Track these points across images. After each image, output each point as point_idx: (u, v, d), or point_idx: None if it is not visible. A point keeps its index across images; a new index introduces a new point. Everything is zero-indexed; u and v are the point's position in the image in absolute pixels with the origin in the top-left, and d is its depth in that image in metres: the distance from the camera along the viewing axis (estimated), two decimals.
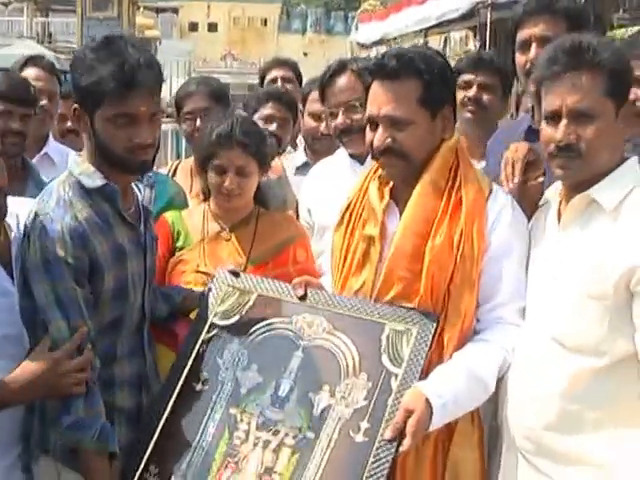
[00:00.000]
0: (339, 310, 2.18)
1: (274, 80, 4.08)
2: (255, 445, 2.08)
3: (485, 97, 3.22)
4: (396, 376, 2.03)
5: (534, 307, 2.09)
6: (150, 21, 30.16)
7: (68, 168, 2.16)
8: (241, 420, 2.12)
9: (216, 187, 2.60)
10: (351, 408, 2.04)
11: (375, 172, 2.28)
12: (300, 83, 4.08)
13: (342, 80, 2.86)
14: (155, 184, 2.69)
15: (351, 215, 2.29)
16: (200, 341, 2.24)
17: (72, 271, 2.03)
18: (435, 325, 2.06)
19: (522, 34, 2.56)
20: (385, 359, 2.07)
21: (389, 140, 2.12)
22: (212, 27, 46.81)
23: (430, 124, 2.14)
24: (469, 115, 3.20)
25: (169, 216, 2.68)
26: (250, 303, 2.28)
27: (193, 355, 2.23)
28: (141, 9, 27.71)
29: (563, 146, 1.94)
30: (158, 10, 38.15)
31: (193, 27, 46.26)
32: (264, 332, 2.23)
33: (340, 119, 2.86)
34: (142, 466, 2.09)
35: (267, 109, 3.52)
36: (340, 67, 2.89)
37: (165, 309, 2.39)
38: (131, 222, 2.18)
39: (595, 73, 1.93)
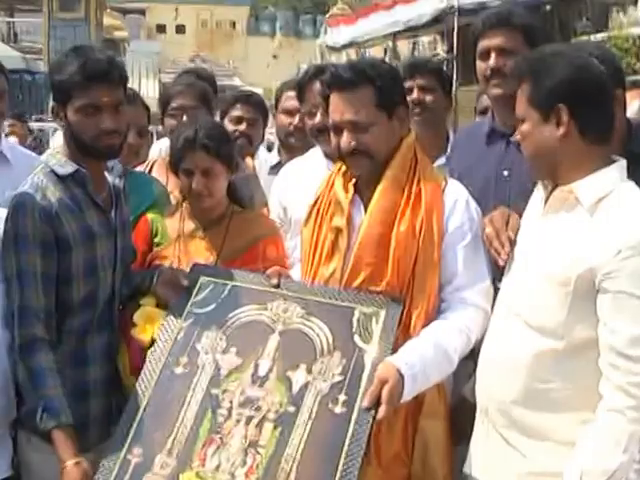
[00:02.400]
0: (311, 297, 2.32)
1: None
2: (238, 421, 2.16)
3: (427, 98, 3.38)
4: (368, 353, 2.19)
5: (507, 285, 2.23)
6: (118, 22, 29.88)
7: (43, 160, 2.43)
8: (223, 399, 2.20)
9: (186, 189, 2.75)
10: (328, 383, 2.16)
11: (339, 170, 2.48)
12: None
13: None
14: (137, 182, 2.95)
15: (319, 210, 2.48)
16: (178, 329, 2.35)
17: (37, 245, 2.26)
18: (401, 306, 2.25)
19: (482, 44, 2.75)
20: (357, 338, 2.22)
21: (354, 143, 2.33)
22: (180, 29, 46.52)
23: (388, 124, 2.36)
24: (417, 118, 3.33)
25: (150, 214, 2.86)
26: (225, 292, 2.39)
27: (172, 342, 2.32)
28: (108, 10, 27.47)
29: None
30: (125, 12, 37.86)
31: (161, 29, 45.99)
32: (241, 318, 2.33)
33: (318, 118, 3.03)
34: (125, 448, 2.16)
35: (236, 111, 3.70)
36: (319, 71, 3.03)
37: (127, 291, 2.57)
38: (102, 207, 2.41)
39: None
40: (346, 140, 2.33)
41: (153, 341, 2.39)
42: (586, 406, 2.02)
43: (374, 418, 2.07)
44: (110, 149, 2.37)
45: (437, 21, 13.01)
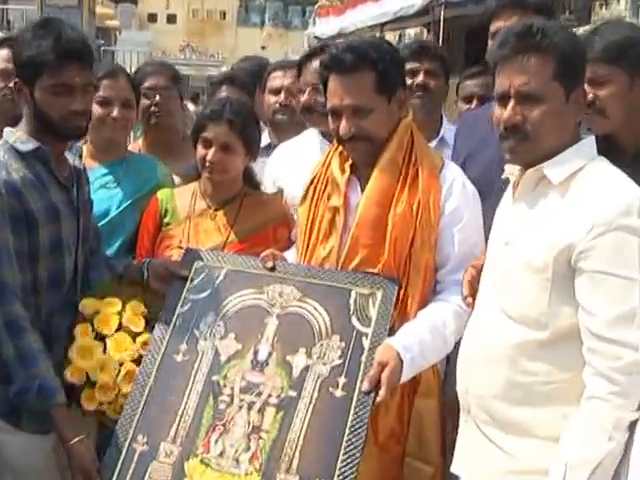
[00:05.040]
0: (307, 279, 2.31)
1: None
2: (240, 407, 2.15)
3: (432, 83, 3.38)
4: (366, 335, 2.18)
5: (486, 276, 2.14)
6: (110, 11, 29.91)
7: (3, 138, 2.35)
8: (224, 385, 2.19)
9: (200, 159, 2.69)
10: (328, 366, 2.16)
11: (336, 150, 2.44)
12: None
13: (317, 62, 2.87)
14: (142, 165, 2.99)
15: (315, 189, 2.46)
16: (176, 315, 2.33)
17: (7, 220, 2.18)
18: (397, 287, 2.24)
19: (496, 25, 2.80)
20: (355, 320, 2.21)
21: (353, 129, 2.28)
22: (171, 19, 46.46)
23: (387, 108, 2.32)
24: (418, 101, 3.31)
25: (160, 194, 2.83)
26: (221, 277, 2.37)
27: (170, 329, 2.31)
28: None
29: (510, 126, 1.96)
30: (117, 0, 37.82)
31: (152, 18, 45.90)
32: (238, 303, 2.32)
33: (306, 97, 3.05)
34: (130, 436, 2.17)
35: (222, 92, 3.68)
36: (319, 50, 3.05)
37: (108, 277, 2.53)
38: (65, 184, 2.35)
39: (544, 56, 1.92)
40: (345, 126, 2.28)
41: (90, 383, 2.30)
42: (572, 399, 1.90)
43: (374, 401, 2.08)
44: (78, 130, 2.30)
45: (424, 13, 13.17)
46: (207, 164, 2.67)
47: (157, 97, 3.30)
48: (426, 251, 2.30)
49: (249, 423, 2.13)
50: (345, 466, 2.02)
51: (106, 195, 2.88)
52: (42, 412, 2.17)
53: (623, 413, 1.83)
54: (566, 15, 12.36)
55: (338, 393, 2.13)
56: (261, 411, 2.14)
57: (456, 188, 2.35)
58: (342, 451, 2.03)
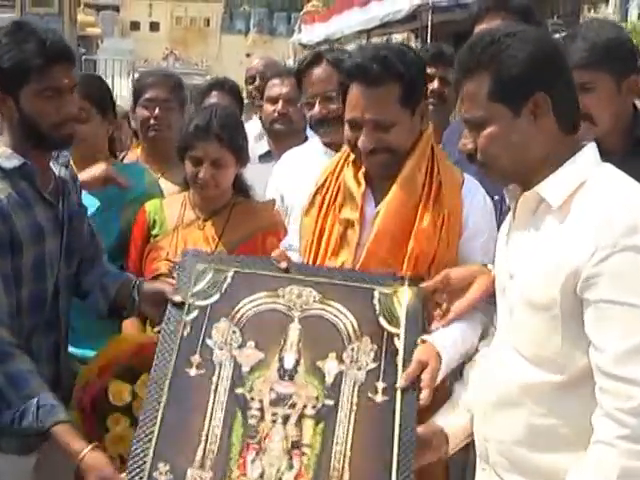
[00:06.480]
0: (325, 280, 2.16)
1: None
2: (274, 422, 1.97)
3: (446, 91, 3.35)
4: (398, 335, 2.06)
5: (499, 306, 1.99)
6: (91, 19, 29.72)
7: None
8: (251, 399, 2.00)
9: (191, 178, 2.67)
10: (364, 371, 2.02)
11: (346, 157, 2.35)
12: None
13: (318, 71, 2.94)
14: (127, 173, 2.90)
15: (323, 199, 2.35)
16: (182, 324, 2.11)
17: None
18: (421, 283, 2.12)
19: (479, 29, 2.70)
20: (383, 321, 2.08)
21: (374, 142, 2.19)
22: (154, 26, 46.34)
23: (411, 121, 2.22)
24: (430, 107, 3.23)
25: (148, 205, 2.78)
26: (228, 280, 2.18)
27: (178, 340, 2.09)
28: (82, 6, 27.28)
29: (470, 155, 1.91)
30: (99, 7, 37.61)
31: (135, 26, 45.74)
32: (252, 308, 2.14)
33: (317, 109, 2.94)
34: (149, 466, 1.92)
35: (211, 98, 3.68)
36: (315, 58, 2.97)
37: (103, 303, 2.44)
38: (50, 200, 2.27)
39: (480, 77, 1.78)
40: (366, 140, 2.19)
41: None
42: None
43: (417, 402, 1.96)
44: (68, 138, 2.23)
45: (411, 18, 13.09)
46: (199, 181, 2.64)
47: (156, 110, 3.25)
48: (446, 268, 2.20)
49: (287, 438, 1.95)
50: (401, 474, 1.88)
51: (88, 203, 2.76)
52: (42, 434, 2.03)
53: (631, 461, 1.62)
54: (554, 19, 12.29)
55: (379, 398, 1.98)
56: (298, 424, 1.96)
57: (478, 204, 2.29)
58: (394, 460, 1.89)
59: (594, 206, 1.71)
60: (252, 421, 1.97)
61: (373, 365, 2.02)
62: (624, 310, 1.64)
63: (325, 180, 2.37)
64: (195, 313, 2.13)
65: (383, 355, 2.03)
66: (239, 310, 2.13)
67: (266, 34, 44.94)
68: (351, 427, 1.95)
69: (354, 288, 2.14)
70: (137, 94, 3.31)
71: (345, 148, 2.36)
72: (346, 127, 2.25)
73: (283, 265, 2.16)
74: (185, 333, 2.10)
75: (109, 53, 27.42)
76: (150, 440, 1.95)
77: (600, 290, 1.66)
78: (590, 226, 1.69)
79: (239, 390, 2.01)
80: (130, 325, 2.66)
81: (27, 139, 2.20)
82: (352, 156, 2.31)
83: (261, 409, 1.98)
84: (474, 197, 2.29)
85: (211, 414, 1.98)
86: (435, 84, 3.33)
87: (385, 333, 2.07)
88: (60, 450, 2.01)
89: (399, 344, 2.05)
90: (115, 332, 2.62)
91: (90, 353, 2.51)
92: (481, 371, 2.02)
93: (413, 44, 14.87)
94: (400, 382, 1.97)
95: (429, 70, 3.21)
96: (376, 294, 2.11)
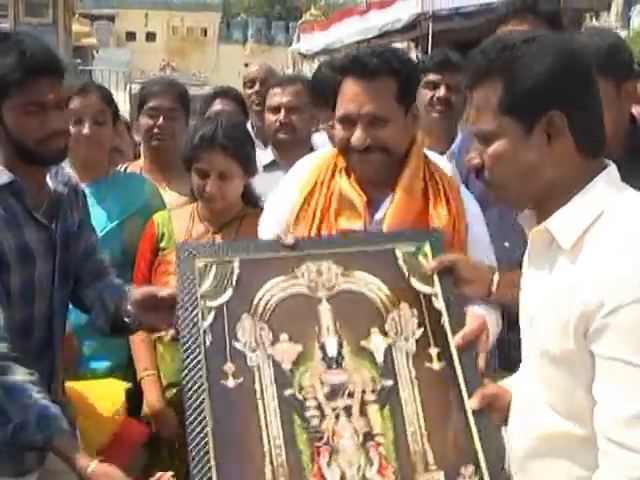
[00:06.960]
0: (340, 249, 2.00)
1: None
2: (337, 417, 1.81)
3: (454, 97, 3.26)
4: (435, 295, 1.95)
5: (524, 347, 1.81)
6: (87, 29, 29.68)
7: None
8: (304, 398, 1.82)
9: (198, 190, 2.62)
10: (412, 340, 1.90)
11: (334, 166, 2.27)
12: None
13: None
14: (127, 183, 2.93)
15: (315, 210, 2.26)
16: (201, 333, 1.88)
17: None
18: (442, 235, 2.05)
19: (505, 29, 2.60)
20: (415, 282, 1.96)
21: (370, 139, 2.14)
22: (150, 37, 46.33)
23: (404, 121, 2.19)
24: (437, 115, 3.22)
25: (157, 217, 2.75)
26: (236, 271, 1.96)
27: (202, 351, 1.86)
28: (77, 16, 27.19)
29: (477, 171, 1.72)
30: (93, 17, 37.58)
31: (131, 36, 45.74)
32: (272, 296, 1.94)
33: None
34: None
35: (216, 105, 3.71)
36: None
37: (103, 320, 2.29)
38: (42, 222, 2.18)
39: (492, 86, 1.62)
40: (360, 136, 2.14)
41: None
42: None
43: (476, 363, 1.87)
44: (58, 154, 2.15)
45: (411, 27, 13.01)
46: (206, 195, 2.61)
47: (160, 119, 3.23)
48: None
49: (357, 432, 1.80)
50: (485, 438, 1.77)
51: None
52: (45, 448, 1.96)
53: None
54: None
55: (436, 366, 1.87)
56: (363, 413, 1.82)
57: (473, 209, 2.29)
58: (473, 426, 1.79)
59: (608, 249, 1.53)
60: (314, 422, 1.80)
61: (420, 332, 1.91)
62: (634, 371, 1.48)
63: (313, 189, 2.28)
64: (211, 316, 1.91)
65: (427, 319, 1.92)
66: (259, 302, 1.92)
67: (264, 43, 45.04)
68: (418, 403, 1.83)
69: (374, 253, 2.00)
70: (141, 102, 3.30)
71: (329, 153, 2.31)
72: (338, 127, 2.20)
73: (290, 240, 2.00)
74: (208, 341, 1.87)
75: (105, 64, 27.44)
76: (210, 468, 1.73)
77: (607, 346, 1.51)
78: (602, 271, 1.52)
79: (288, 391, 1.83)
80: (140, 343, 2.68)
81: (16, 155, 2.13)
82: (341, 163, 2.25)
83: (319, 406, 1.82)
84: (470, 203, 2.29)
85: (266, 425, 1.79)
86: (442, 91, 3.25)
87: (421, 295, 1.95)
88: (63, 462, 1.92)
89: (439, 304, 1.94)
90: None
91: (105, 364, 2.73)
92: (513, 412, 1.80)
93: (413, 53, 14.73)
94: (457, 341, 1.88)
95: (434, 77, 3.24)
96: (399, 254, 1.99)
